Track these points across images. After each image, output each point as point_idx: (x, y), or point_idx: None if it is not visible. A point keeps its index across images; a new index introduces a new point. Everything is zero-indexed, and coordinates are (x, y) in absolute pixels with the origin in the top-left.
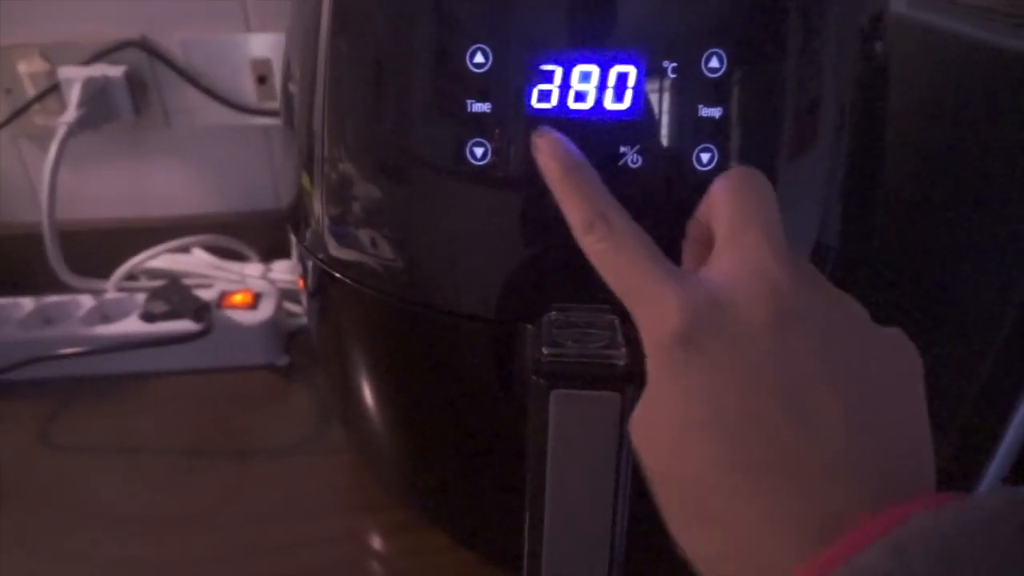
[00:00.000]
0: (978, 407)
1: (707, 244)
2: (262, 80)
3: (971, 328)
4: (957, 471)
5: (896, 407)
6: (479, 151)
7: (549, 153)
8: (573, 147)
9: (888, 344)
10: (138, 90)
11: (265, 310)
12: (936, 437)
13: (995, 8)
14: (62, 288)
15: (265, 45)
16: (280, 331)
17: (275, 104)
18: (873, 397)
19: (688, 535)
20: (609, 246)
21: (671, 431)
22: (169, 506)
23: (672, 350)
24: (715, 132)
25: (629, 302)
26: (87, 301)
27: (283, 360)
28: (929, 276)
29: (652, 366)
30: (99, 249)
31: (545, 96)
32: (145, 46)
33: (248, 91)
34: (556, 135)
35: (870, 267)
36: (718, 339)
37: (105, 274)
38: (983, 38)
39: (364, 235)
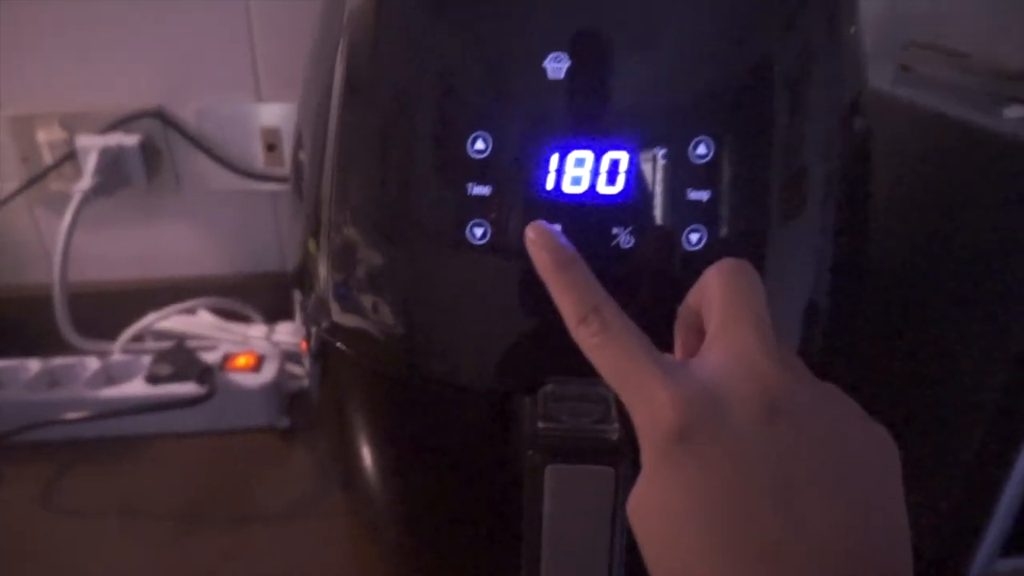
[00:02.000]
0: (967, 486)
1: (697, 329)
2: (271, 148)
3: (958, 407)
4: (950, 549)
5: (879, 499)
6: (479, 231)
7: (542, 246)
8: (565, 239)
9: (871, 439)
10: (151, 157)
11: (267, 373)
12: (930, 513)
13: (974, 87)
14: (69, 349)
15: (275, 115)
16: (282, 393)
17: (283, 170)
18: (858, 490)
19: None
20: (603, 340)
21: (664, 521)
22: (170, 569)
23: (666, 445)
24: (703, 214)
25: (624, 395)
26: (93, 363)
27: (284, 422)
28: (916, 351)
29: (646, 457)
30: (107, 310)
31: (542, 181)
32: (161, 116)
33: (257, 158)
34: (548, 228)
35: (856, 346)
36: (709, 436)
37: (113, 335)
38: (961, 116)
39: (366, 307)
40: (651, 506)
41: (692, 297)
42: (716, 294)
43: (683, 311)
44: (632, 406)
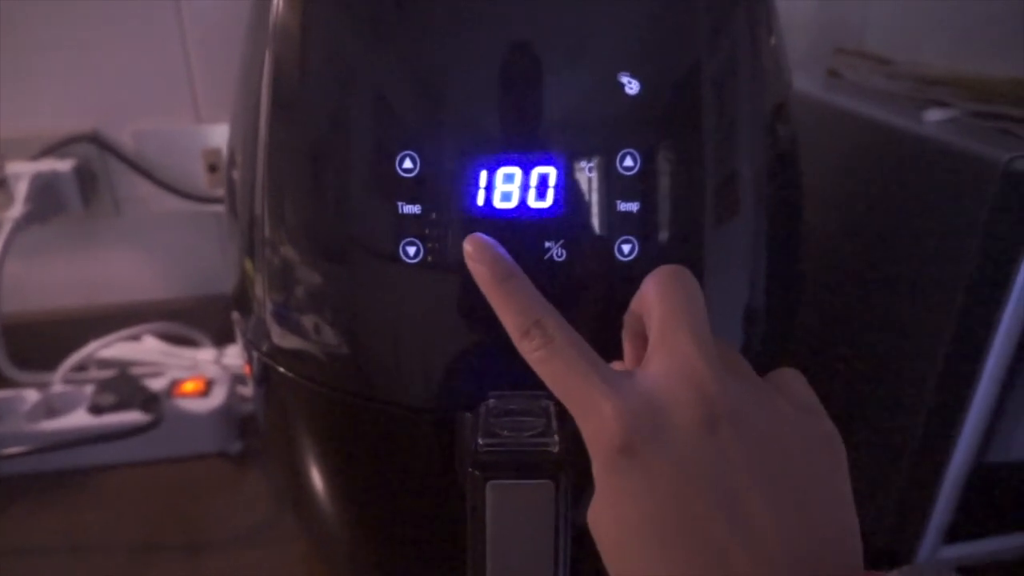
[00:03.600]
0: (911, 477)
1: (643, 336)
2: (213, 169)
3: (899, 395)
4: (897, 539)
5: (823, 496)
6: (411, 250)
7: (480, 260)
8: (504, 252)
9: (815, 436)
10: (87, 182)
11: (217, 397)
12: (876, 504)
13: (897, 92)
14: (6, 382)
15: (216, 135)
16: (232, 417)
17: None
18: (802, 489)
19: None
20: (546, 354)
21: (615, 531)
22: None
23: (612, 457)
24: (634, 225)
25: (570, 407)
26: (32, 395)
27: (236, 447)
28: (856, 346)
29: (596, 469)
30: (47, 340)
31: (472, 198)
32: (96, 140)
33: (199, 179)
34: (486, 241)
35: (796, 345)
36: (652, 445)
37: (54, 366)
38: (886, 119)
39: (305, 329)
40: (603, 517)
41: (635, 304)
42: (654, 303)
43: (628, 318)
44: (578, 419)
